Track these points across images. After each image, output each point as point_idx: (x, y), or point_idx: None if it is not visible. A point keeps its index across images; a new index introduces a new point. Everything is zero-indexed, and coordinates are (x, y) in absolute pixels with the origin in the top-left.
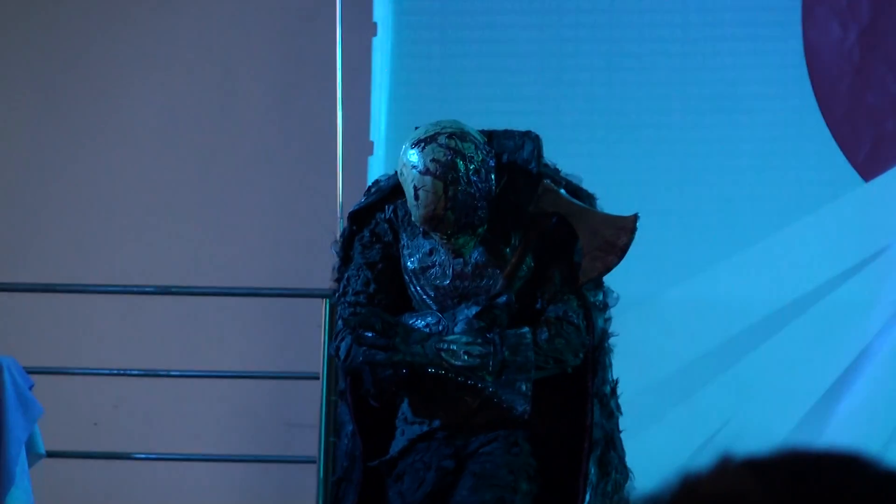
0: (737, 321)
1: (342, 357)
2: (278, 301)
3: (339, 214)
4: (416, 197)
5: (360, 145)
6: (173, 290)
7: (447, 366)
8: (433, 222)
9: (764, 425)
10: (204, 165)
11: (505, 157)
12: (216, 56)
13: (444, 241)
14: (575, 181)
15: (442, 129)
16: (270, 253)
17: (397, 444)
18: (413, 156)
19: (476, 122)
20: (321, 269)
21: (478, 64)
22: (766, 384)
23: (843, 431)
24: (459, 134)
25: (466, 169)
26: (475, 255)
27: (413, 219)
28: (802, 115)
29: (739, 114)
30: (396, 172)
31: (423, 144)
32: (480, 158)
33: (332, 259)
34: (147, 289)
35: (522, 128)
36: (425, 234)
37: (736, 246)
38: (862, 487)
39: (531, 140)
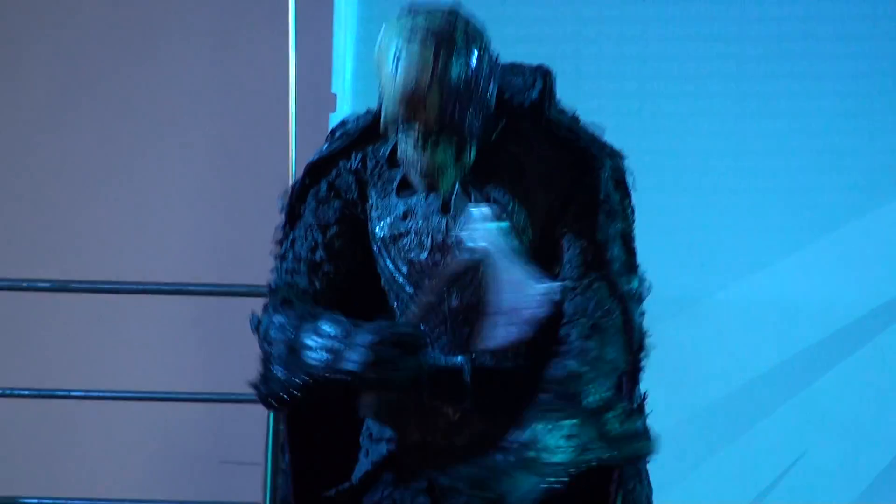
0: (811, 330)
1: (262, 336)
2: (210, 301)
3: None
4: (395, 70)
5: (318, 99)
6: (73, 286)
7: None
8: (411, 105)
9: (846, 464)
10: (110, 117)
11: (507, 96)
12: None
13: (420, 153)
14: (597, 131)
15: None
16: (200, 240)
17: (361, 468)
18: (397, 27)
19: None
20: (266, 261)
21: None
22: (850, 411)
23: None
24: (465, 17)
25: (467, 46)
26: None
27: (384, 111)
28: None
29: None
30: (367, 111)
31: (413, 14)
32: (484, 47)
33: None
34: (40, 284)
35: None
36: (400, 191)
37: (808, 234)
38: None
39: (541, 76)
